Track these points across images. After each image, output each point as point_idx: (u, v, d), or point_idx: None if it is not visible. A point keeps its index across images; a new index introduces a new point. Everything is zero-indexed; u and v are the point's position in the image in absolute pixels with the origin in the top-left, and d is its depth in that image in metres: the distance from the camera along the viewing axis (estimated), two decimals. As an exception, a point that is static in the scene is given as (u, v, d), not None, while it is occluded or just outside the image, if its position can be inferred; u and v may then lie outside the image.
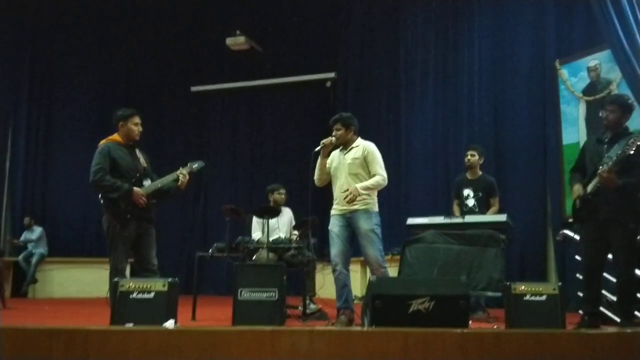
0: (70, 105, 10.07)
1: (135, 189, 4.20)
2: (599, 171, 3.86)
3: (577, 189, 4.16)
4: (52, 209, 9.71)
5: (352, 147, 4.56)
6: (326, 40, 9.98)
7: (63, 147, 9.86)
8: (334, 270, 4.46)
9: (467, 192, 5.81)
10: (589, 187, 4.02)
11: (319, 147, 4.56)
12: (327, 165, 4.63)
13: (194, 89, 10.44)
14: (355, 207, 4.39)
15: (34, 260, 8.69)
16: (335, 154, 4.65)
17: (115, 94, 10.15)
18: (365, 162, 4.48)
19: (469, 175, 5.89)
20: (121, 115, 4.37)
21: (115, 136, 4.38)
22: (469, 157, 5.86)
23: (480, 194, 5.74)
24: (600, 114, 4.12)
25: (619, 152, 3.81)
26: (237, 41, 9.58)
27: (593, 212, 4.03)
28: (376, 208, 4.50)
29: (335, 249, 4.45)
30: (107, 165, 4.18)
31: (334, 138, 4.55)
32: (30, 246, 8.86)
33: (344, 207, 4.44)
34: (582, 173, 4.26)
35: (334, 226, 4.49)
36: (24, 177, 9.68)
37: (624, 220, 3.92)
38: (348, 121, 4.58)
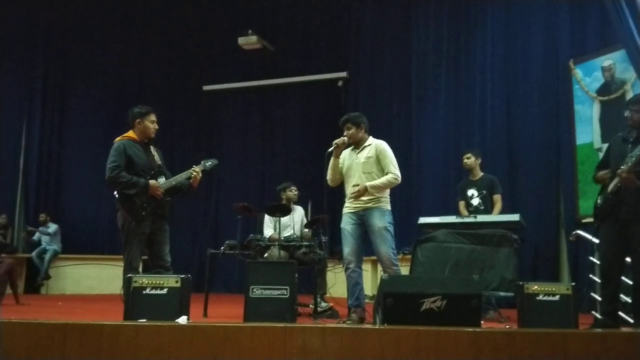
0: (83, 103, 10.16)
1: (152, 181, 4.24)
2: (618, 171, 3.83)
3: (604, 172, 4.11)
4: (65, 207, 9.80)
5: (364, 146, 4.56)
6: (338, 40, 9.98)
7: (76, 146, 9.95)
8: (346, 269, 4.47)
9: (471, 192, 5.83)
10: (610, 186, 3.99)
11: (331, 148, 4.56)
12: (340, 165, 4.63)
13: (206, 87, 10.48)
14: (369, 205, 4.39)
15: (47, 256, 8.77)
16: (347, 153, 4.65)
17: (128, 92, 10.20)
18: (378, 160, 4.47)
19: (471, 177, 5.93)
20: (138, 113, 4.38)
21: (131, 133, 4.39)
22: (465, 160, 5.91)
23: (485, 192, 5.76)
24: (625, 114, 4.06)
25: (638, 152, 3.77)
26: (249, 40, 9.60)
27: (613, 211, 3.99)
28: (389, 206, 4.49)
29: (348, 247, 4.46)
30: (123, 162, 4.20)
31: (346, 138, 4.55)
32: (44, 242, 8.95)
33: (357, 205, 4.44)
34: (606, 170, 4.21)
35: (347, 224, 4.49)
36: (38, 175, 9.79)
37: None
38: (358, 120, 4.58)
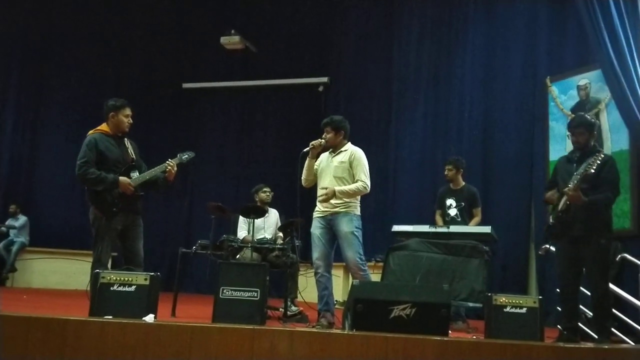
0: (59, 97, 10.02)
1: (122, 178, 4.14)
2: (565, 189, 3.93)
3: (553, 192, 4.22)
4: (36, 199, 9.64)
5: (340, 151, 4.57)
6: (320, 45, 10.00)
7: (50, 139, 9.81)
8: (315, 273, 4.47)
9: (449, 201, 5.86)
10: (560, 205, 4.08)
11: (307, 149, 4.56)
12: (315, 167, 4.63)
13: (185, 85, 10.41)
14: (337, 209, 4.39)
15: (14, 248, 8.60)
16: (324, 156, 4.65)
17: (105, 86, 10.05)
18: (350, 167, 4.47)
19: (452, 186, 5.95)
20: (112, 106, 4.29)
21: (104, 126, 4.30)
22: (446, 172, 5.94)
23: (463, 204, 5.79)
24: (569, 138, 4.20)
25: (582, 170, 3.89)
26: (231, 40, 9.57)
27: (566, 229, 4.09)
28: (358, 211, 4.48)
29: (317, 252, 4.45)
30: (93, 158, 4.12)
31: (323, 140, 4.55)
32: (12, 234, 8.77)
33: (326, 209, 4.44)
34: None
35: (316, 229, 4.49)
36: (10, 166, 9.64)
37: (595, 237, 3.99)
38: (338, 125, 4.57)
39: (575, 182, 3.89)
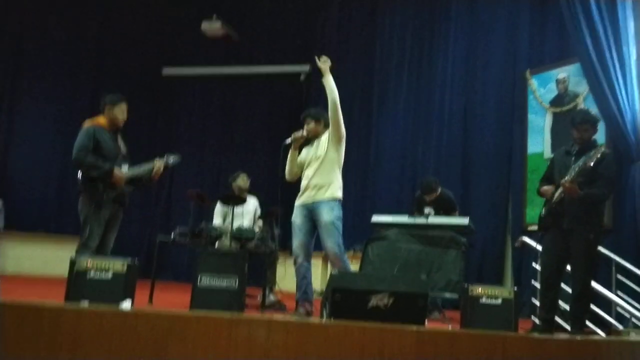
0: (36, 80, 9.77)
1: (116, 169, 4.30)
2: (562, 181, 3.96)
3: (548, 188, 4.25)
4: (11, 182, 9.44)
5: (320, 140, 4.59)
6: (303, 34, 9.96)
7: (27, 121, 9.59)
8: (294, 262, 4.48)
9: (428, 209, 5.88)
10: (554, 197, 4.12)
11: (289, 140, 4.55)
12: (299, 159, 4.63)
13: (165, 71, 10.29)
14: (318, 196, 4.40)
15: (-12, 233, 8.46)
16: (306, 149, 4.66)
17: (82, 69, 9.90)
18: (331, 142, 4.48)
19: (427, 198, 5.92)
20: (110, 100, 4.43)
21: (101, 119, 4.44)
22: (427, 199, 5.88)
23: (442, 212, 5.80)
24: (572, 134, 4.20)
25: (580, 163, 3.92)
26: (213, 26, 9.46)
27: (556, 222, 4.13)
28: (339, 194, 4.46)
29: (297, 240, 4.46)
30: (91, 146, 4.27)
31: (305, 132, 4.55)
32: (-15, 218, 8.61)
33: (307, 198, 4.45)
34: (550, 183, 4.35)
35: (296, 217, 4.50)
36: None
37: (584, 231, 4.02)
38: (318, 115, 4.61)
39: (573, 174, 3.92)
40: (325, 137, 4.55)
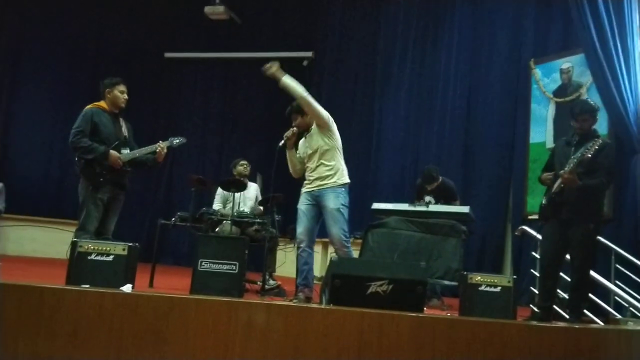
0: (37, 63, 9.76)
1: (112, 151, 4.32)
2: (561, 172, 3.96)
3: (548, 175, 4.26)
4: (12, 165, 9.46)
5: (311, 130, 4.56)
6: (306, 19, 9.91)
7: (27, 105, 9.59)
8: (297, 247, 4.49)
9: (428, 198, 5.86)
10: (554, 187, 4.13)
11: (282, 142, 4.56)
12: (298, 155, 4.63)
13: (167, 55, 10.25)
14: (324, 184, 4.40)
15: (-11, 215, 8.49)
16: (301, 143, 4.65)
17: (84, 53, 9.89)
18: (319, 132, 4.46)
19: (428, 187, 5.90)
20: (108, 83, 4.47)
21: (102, 103, 4.47)
22: (429, 189, 5.85)
23: (442, 202, 5.80)
24: (572, 124, 4.21)
25: (579, 154, 3.93)
26: (215, 10, 9.41)
27: (556, 212, 4.14)
28: (345, 179, 4.46)
29: (301, 226, 4.47)
30: (88, 129, 4.30)
31: (295, 128, 4.56)
32: (-13, 201, 8.64)
33: (313, 185, 4.46)
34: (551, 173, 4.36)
35: (302, 204, 4.50)
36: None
37: (584, 221, 4.04)
38: (300, 108, 4.54)
39: (572, 165, 3.92)
40: (315, 128, 4.53)
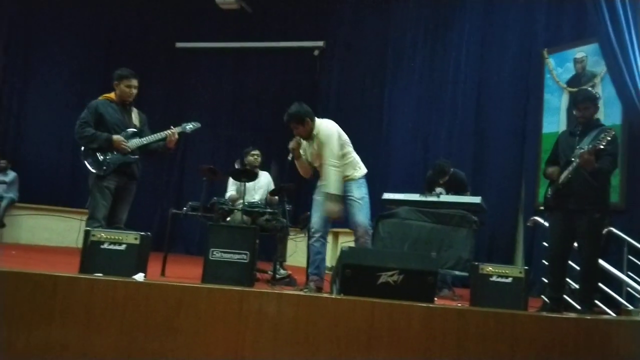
0: (49, 53, 9.82)
1: (115, 136, 4.34)
2: (581, 151, 3.95)
3: (554, 169, 4.25)
4: (25, 155, 9.54)
5: (313, 136, 4.54)
6: (317, 9, 9.86)
7: (40, 96, 9.67)
8: (311, 237, 4.49)
9: (439, 189, 5.84)
10: (561, 178, 4.13)
11: (290, 156, 4.60)
12: (304, 158, 4.63)
13: (179, 45, 10.27)
14: (346, 177, 4.44)
15: (3, 204, 8.57)
16: (305, 144, 4.64)
17: (97, 44, 9.92)
18: (320, 152, 4.47)
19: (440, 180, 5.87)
20: (118, 75, 4.49)
21: (111, 94, 4.51)
22: (440, 182, 5.82)
23: (452, 193, 5.77)
24: (574, 113, 4.22)
25: (590, 145, 3.93)
26: (226, 0, 9.40)
27: (563, 202, 4.15)
28: (362, 170, 4.53)
29: (316, 216, 4.47)
30: (92, 120, 4.35)
31: (298, 138, 4.56)
32: (1, 189, 8.72)
33: None
34: (556, 165, 4.35)
35: (319, 194, 4.50)
36: (-2, 120, 9.51)
37: (591, 211, 4.04)
38: (299, 116, 4.48)
39: (592, 146, 3.91)
40: (316, 144, 4.51)
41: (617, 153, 4.11)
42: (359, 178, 4.50)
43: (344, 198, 4.43)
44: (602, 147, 3.89)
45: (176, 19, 10.27)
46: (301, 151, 4.62)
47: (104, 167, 4.29)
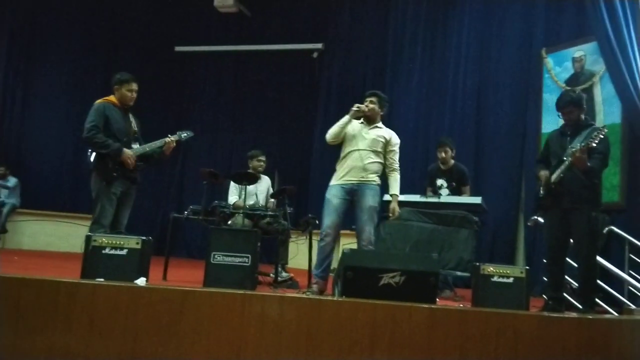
0: (50, 58, 9.86)
1: (125, 149, 4.37)
2: (573, 150, 3.96)
3: (544, 173, 4.26)
4: (27, 160, 9.57)
5: (376, 126, 4.63)
6: (316, 11, 9.87)
7: (40, 99, 9.71)
8: (322, 240, 4.47)
9: (440, 182, 5.83)
10: (553, 177, 4.14)
11: (353, 108, 4.59)
12: (347, 130, 4.62)
13: (178, 48, 10.28)
14: (366, 180, 4.47)
15: (5, 210, 8.58)
16: (356, 123, 4.64)
17: (97, 48, 9.95)
18: (386, 145, 4.59)
19: (442, 166, 5.86)
20: (118, 80, 4.51)
21: (112, 97, 4.52)
22: (442, 154, 5.82)
23: (454, 184, 5.78)
24: (559, 116, 4.24)
25: (583, 143, 3.94)
26: (225, 3, 9.42)
27: (556, 201, 4.16)
28: (379, 181, 4.60)
29: (330, 220, 4.46)
30: (101, 123, 4.35)
31: (366, 108, 4.60)
32: (2, 196, 8.73)
33: (352, 179, 4.48)
34: (546, 164, 4.36)
35: (334, 197, 4.49)
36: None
37: (585, 209, 4.05)
38: (383, 101, 4.69)
39: (583, 144, 3.92)
40: (386, 136, 4.63)
41: (608, 152, 4.11)
42: (377, 185, 4.55)
43: (357, 202, 4.45)
44: (594, 145, 3.91)
45: (175, 23, 10.28)
46: (349, 126, 4.62)
47: (114, 174, 4.31)
